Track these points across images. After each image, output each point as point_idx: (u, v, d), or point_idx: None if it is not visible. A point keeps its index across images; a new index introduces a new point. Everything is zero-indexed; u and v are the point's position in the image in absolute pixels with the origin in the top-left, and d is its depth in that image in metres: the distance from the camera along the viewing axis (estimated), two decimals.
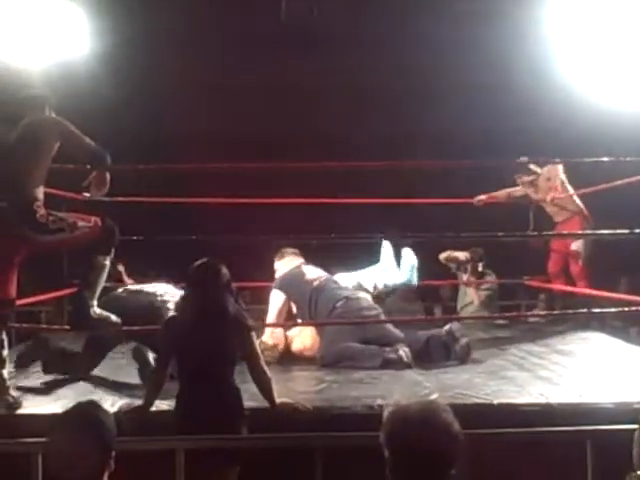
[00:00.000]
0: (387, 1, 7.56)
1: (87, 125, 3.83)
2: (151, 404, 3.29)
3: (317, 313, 4.83)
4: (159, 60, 7.70)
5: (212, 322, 3.21)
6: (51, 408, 3.37)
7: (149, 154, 5.91)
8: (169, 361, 3.30)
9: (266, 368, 3.32)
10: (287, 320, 4.99)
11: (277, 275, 5.20)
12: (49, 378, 4.02)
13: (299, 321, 4.98)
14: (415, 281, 5.46)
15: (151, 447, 2.92)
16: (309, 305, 4.85)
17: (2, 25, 5.12)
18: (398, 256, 5.42)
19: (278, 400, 3.30)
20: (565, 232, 5.92)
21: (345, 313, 4.79)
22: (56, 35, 5.29)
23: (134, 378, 3.95)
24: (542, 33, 5.91)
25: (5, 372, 3.56)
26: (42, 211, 3.57)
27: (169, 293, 4.18)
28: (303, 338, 4.84)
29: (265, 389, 3.28)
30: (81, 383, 3.95)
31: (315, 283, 4.94)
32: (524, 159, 5.44)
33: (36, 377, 4.05)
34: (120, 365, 4.31)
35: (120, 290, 4.48)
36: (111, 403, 3.44)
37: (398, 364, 4.38)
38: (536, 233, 5.83)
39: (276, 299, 4.96)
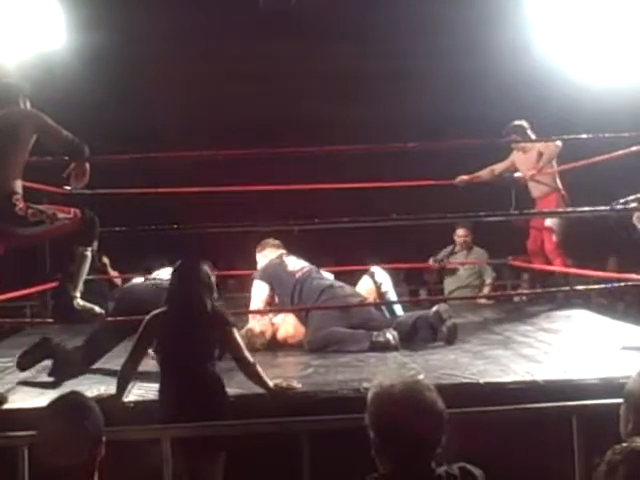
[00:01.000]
0: None
1: (65, 118, 3.80)
2: (122, 394, 3.32)
3: (302, 303, 4.83)
4: (139, 50, 7.64)
5: (192, 319, 3.32)
6: (37, 402, 3.35)
7: (129, 146, 5.84)
8: (143, 355, 3.41)
9: (251, 358, 3.37)
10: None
11: (258, 267, 5.19)
12: (34, 372, 3.98)
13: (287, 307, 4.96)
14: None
15: (136, 437, 2.92)
16: (292, 296, 4.85)
17: None
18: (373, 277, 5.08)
19: (271, 383, 3.35)
20: (546, 210, 5.91)
21: (331, 300, 4.79)
22: (32, 27, 5.24)
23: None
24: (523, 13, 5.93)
25: None
26: (21, 204, 3.54)
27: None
28: (286, 326, 4.84)
29: (255, 377, 3.34)
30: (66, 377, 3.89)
31: (298, 274, 4.93)
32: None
33: (20, 372, 4.01)
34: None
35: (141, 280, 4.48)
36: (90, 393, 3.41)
37: (385, 347, 4.40)
38: (517, 212, 5.82)
39: (259, 289, 4.95)
